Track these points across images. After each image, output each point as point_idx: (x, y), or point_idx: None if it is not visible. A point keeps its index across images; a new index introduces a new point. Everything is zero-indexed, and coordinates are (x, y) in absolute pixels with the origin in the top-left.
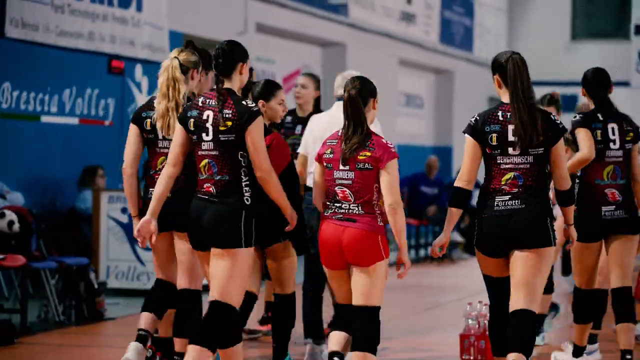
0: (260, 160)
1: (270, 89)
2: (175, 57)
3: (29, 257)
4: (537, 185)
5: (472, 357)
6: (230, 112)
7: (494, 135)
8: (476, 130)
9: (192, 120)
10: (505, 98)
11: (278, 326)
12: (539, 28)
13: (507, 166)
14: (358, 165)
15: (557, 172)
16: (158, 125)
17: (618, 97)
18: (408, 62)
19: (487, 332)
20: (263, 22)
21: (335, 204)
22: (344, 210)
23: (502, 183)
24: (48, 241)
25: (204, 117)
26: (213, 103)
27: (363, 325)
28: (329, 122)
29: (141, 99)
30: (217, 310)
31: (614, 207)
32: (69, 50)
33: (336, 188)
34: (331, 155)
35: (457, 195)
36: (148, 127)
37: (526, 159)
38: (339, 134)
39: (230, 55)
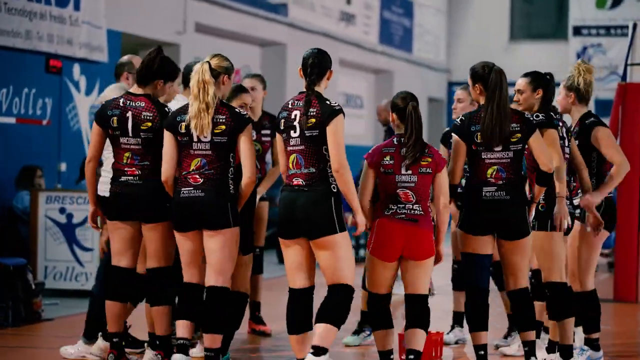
0: (339, 154)
1: (231, 92)
2: (207, 61)
3: None
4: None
5: None
6: (315, 110)
7: (478, 133)
8: (462, 130)
9: (282, 120)
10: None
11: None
12: (478, 29)
13: (490, 160)
14: (421, 170)
15: (539, 159)
16: (192, 125)
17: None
18: (348, 63)
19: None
20: (202, 22)
21: (398, 205)
22: (406, 211)
23: (489, 176)
24: None
25: (292, 116)
26: (301, 104)
27: (417, 309)
28: None
29: (79, 98)
30: (340, 293)
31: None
32: (5, 49)
33: (398, 190)
34: (391, 162)
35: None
36: (183, 130)
37: (507, 154)
38: (394, 142)
39: (323, 63)
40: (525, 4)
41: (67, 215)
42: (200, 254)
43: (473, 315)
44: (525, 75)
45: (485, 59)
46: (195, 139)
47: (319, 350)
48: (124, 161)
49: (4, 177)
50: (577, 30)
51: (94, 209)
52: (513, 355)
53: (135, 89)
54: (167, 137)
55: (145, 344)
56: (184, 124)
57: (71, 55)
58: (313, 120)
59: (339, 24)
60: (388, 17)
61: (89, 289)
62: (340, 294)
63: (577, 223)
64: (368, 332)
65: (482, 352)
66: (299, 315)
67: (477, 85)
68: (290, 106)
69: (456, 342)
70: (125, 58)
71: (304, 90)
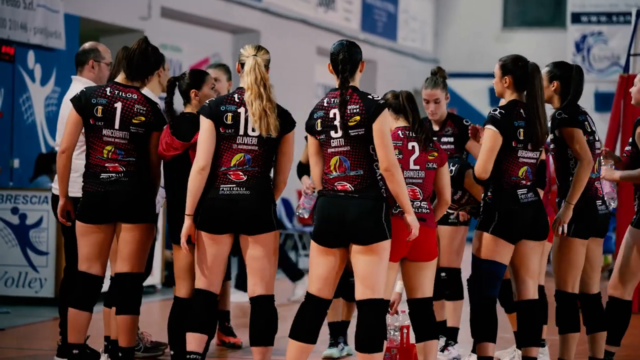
0: (389, 152)
1: (199, 76)
2: (255, 54)
3: None
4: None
5: None
6: (358, 107)
7: (522, 130)
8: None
9: (319, 120)
10: (513, 97)
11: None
12: (468, 16)
13: (524, 160)
14: (428, 165)
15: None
16: (257, 125)
17: None
18: (326, 51)
19: (409, 343)
20: (169, 6)
21: None
22: (414, 209)
23: (520, 176)
24: None
25: (331, 115)
26: (338, 101)
27: (426, 317)
28: None
29: (34, 88)
30: (370, 308)
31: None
32: None
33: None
34: (400, 156)
35: None
36: (229, 121)
37: (536, 155)
38: (400, 135)
39: (354, 56)
40: None
41: (20, 216)
42: (226, 260)
43: (484, 326)
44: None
45: (476, 48)
46: (241, 132)
47: None
48: (105, 155)
49: None
50: (576, 17)
51: (65, 202)
52: None
53: (122, 80)
54: (208, 126)
55: (101, 351)
56: (230, 114)
57: (25, 41)
58: (358, 118)
59: (318, 9)
60: (371, 2)
61: (43, 296)
62: (371, 315)
63: (631, 229)
64: (343, 345)
65: None
66: (312, 324)
67: (506, 77)
68: (326, 105)
69: None
70: (88, 45)
71: (337, 87)
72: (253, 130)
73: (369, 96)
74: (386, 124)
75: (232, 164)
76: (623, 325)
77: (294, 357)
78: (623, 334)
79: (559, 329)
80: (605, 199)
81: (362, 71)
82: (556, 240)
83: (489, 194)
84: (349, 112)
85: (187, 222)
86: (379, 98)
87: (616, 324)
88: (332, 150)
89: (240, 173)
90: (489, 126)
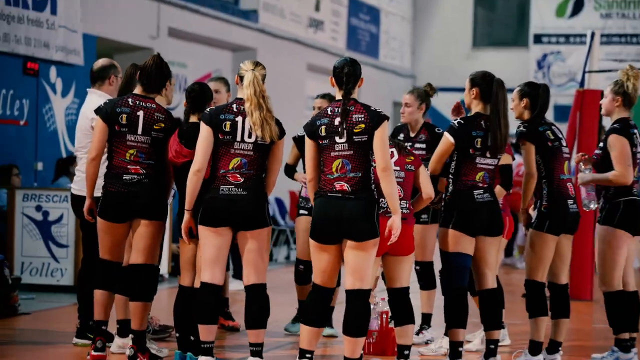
0: (386, 156)
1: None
2: (254, 69)
3: None
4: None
5: (372, 354)
6: (363, 116)
7: (479, 139)
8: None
9: (323, 126)
10: (480, 109)
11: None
12: (442, 36)
13: (481, 166)
14: (406, 167)
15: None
16: (258, 133)
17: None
18: (316, 67)
19: (388, 327)
20: (175, 26)
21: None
22: None
23: (477, 180)
24: None
25: (336, 122)
26: (345, 110)
27: (403, 304)
28: None
29: (56, 100)
30: (357, 297)
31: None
32: None
33: None
34: None
35: None
36: (227, 129)
37: (494, 162)
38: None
39: (357, 72)
40: (487, 12)
41: (43, 213)
42: (227, 252)
43: (455, 314)
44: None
45: (448, 66)
46: (238, 139)
47: None
48: (127, 158)
49: None
50: (538, 38)
51: (90, 202)
52: (477, 351)
53: (139, 91)
54: (207, 132)
55: (114, 333)
56: (229, 122)
57: (48, 58)
58: (362, 125)
59: (308, 30)
60: (355, 24)
61: (64, 284)
62: (359, 304)
63: (598, 226)
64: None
65: (461, 349)
66: (320, 310)
67: (474, 89)
68: (330, 113)
69: (426, 342)
70: (106, 61)
71: (339, 98)
72: (249, 137)
73: (372, 108)
74: (386, 132)
75: (230, 167)
76: (631, 311)
77: (307, 340)
78: (636, 319)
79: (529, 313)
80: (586, 202)
81: (360, 86)
82: (529, 235)
83: (449, 194)
84: (354, 120)
85: (186, 216)
86: (380, 110)
87: (621, 312)
88: (336, 153)
89: (238, 175)
90: (445, 134)
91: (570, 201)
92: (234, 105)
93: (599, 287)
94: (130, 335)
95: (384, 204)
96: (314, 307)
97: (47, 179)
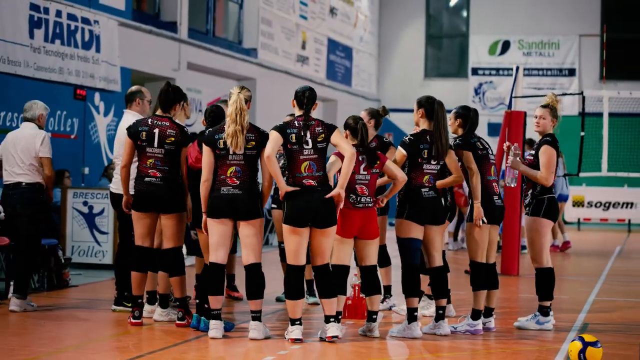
0: (348, 147)
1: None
2: (239, 92)
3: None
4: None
5: (347, 318)
6: (321, 128)
7: (426, 150)
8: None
9: (293, 135)
10: (425, 126)
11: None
12: (401, 69)
13: (427, 170)
14: (373, 171)
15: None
16: (229, 142)
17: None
18: None
19: (358, 296)
20: (192, 61)
21: (357, 196)
22: (362, 203)
23: (424, 181)
24: None
25: (302, 133)
26: (306, 124)
27: (372, 278)
28: None
29: (99, 118)
30: (329, 272)
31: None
32: (43, 81)
33: (356, 185)
34: (353, 164)
35: None
36: (221, 146)
37: (437, 166)
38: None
39: (314, 96)
40: (435, 51)
41: (88, 207)
42: (229, 237)
43: (410, 285)
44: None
45: (406, 91)
46: (231, 152)
47: (335, 317)
48: (147, 165)
49: None
50: (475, 71)
51: (127, 198)
52: (430, 315)
53: (159, 112)
54: (207, 151)
55: (156, 304)
56: (221, 140)
57: (93, 86)
58: (323, 135)
59: (296, 64)
60: (333, 59)
61: (104, 263)
62: (331, 273)
63: (526, 218)
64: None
65: (416, 313)
66: (300, 284)
67: (420, 110)
68: (297, 125)
69: (389, 308)
70: (135, 88)
71: (301, 114)
72: (240, 149)
73: (326, 122)
74: (340, 135)
75: (227, 174)
76: (551, 284)
77: (293, 310)
78: (552, 290)
79: (473, 287)
80: (509, 180)
81: (314, 109)
82: (467, 226)
83: (402, 192)
84: (316, 132)
85: (205, 216)
86: (331, 123)
87: (547, 285)
88: (304, 157)
89: (235, 179)
90: (399, 147)
91: (495, 197)
92: (225, 125)
93: (532, 264)
94: (157, 303)
95: (352, 199)
96: (296, 284)
97: (93, 181)
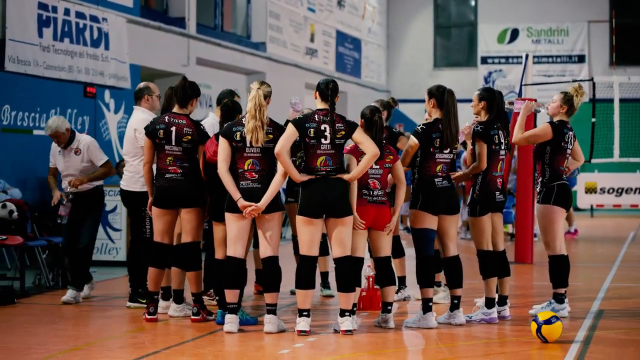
0: (371, 146)
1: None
2: (259, 88)
3: (25, 237)
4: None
5: (362, 310)
6: (342, 125)
7: (438, 139)
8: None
9: (312, 129)
10: (438, 115)
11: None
12: (410, 59)
13: (440, 160)
14: (385, 165)
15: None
16: (248, 137)
17: (467, 112)
18: (312, 86)
19: (373, 287)
20: (201, 56)
21: (369, 191)
22: (375, 197)
23: (437, 171)
24: (40, 225)
25: (322, 127)
26: (327, 119)
27: (383, 267)
28: None
29: (109, 116)
30: (348, 263)
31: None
32: (53, 79)
33: (369, 180)
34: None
35: None
36: (238, 138)
37: (450, 155)
38: None
39: (337, 89)
40: (444, 40)
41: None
42: (247, 232)
43: (424, 276)
44: (478, 90)
45: (415, 82)
46: (248, 145)
47: (350, 311)
48: (167, 162)
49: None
50: (484, 60)
51: (153, 199)
52: (442, 303)
53: (177, 109)
54: (224, 143)
55: (171, 300)
56: (239, 133)
57: (103, 83)
58: (343, 132)
59: (305, 57)
60: (342, 51)
61: (118, 259)
62: (352, 267)
63: (538, 205)
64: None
65: (431, 303)
66: (311, 275)
67: (432, 100)
68: (317, 119)
69: (404, 299)
70: (142, 84)
71: (324, 108)
72: (257, 141)
73: (347, 119)
74: (362, 134)
75: (245, 167)
76: (566, 271)
77: (303, 301)
78: (567, 277)
79: (482, 276)
80: (536, 107)
81: (337, 100)
82: (470, 219)
83: (415, 182)
84: (336, 128)
85: (241, 202)
86: (353, 121)
87: (561, 272)
88: (321, 151)
89: (253, 172)
90: (411, 136)
91: (497, 192)
92: (244, 119)
93: (546, 251)
94: (171, 299)
95: (365, 194)
96: (309, 274)
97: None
